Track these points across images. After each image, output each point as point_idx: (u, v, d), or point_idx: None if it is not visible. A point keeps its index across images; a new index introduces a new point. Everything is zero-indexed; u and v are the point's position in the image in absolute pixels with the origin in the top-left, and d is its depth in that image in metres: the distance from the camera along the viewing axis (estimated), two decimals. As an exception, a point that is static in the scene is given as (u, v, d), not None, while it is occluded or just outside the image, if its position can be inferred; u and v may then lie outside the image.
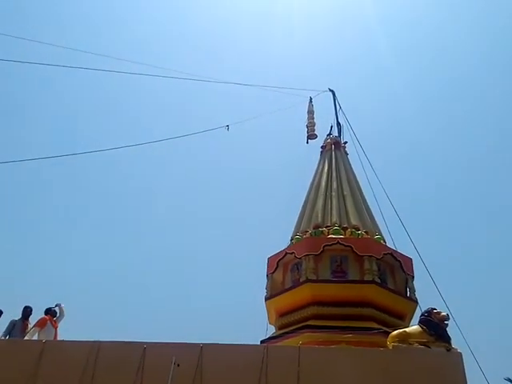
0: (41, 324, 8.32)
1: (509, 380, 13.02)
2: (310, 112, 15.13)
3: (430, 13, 33.75)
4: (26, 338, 8.08)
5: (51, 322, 8.52)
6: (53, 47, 12.62)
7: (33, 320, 8.51)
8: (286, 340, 8.88)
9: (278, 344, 8.74)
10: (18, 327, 8.30)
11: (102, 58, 13.85)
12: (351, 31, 36.58)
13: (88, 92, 32.45)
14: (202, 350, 6.90)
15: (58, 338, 8.37)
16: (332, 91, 15.24)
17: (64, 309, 8.88)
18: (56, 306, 8.83)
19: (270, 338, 9.53)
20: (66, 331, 8.60)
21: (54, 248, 29.51)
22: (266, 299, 10.29)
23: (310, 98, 15.42)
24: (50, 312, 8.64)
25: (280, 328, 9.79)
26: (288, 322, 9.59)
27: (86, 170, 29.86)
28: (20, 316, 8.50)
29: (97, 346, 7.05)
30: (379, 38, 32.93)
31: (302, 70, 30.98)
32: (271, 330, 10.21)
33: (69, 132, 31.30)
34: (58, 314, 8.77)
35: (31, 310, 8.61)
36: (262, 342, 9.24)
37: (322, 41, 36.14)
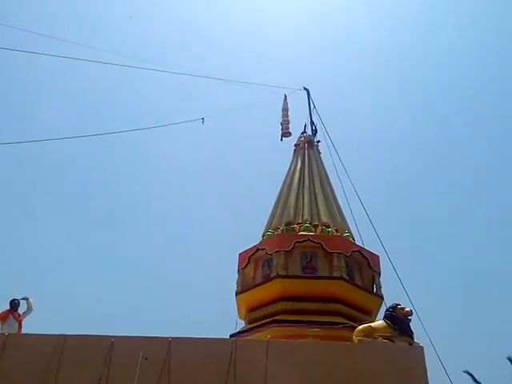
0: (2, 318, 8.13)
1: (467, 373, 13.55)
2: (285, 109, 15.23)
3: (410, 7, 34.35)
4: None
5: (13, 316, 8.32)
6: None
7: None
8: (255, 334, 8.98)
9: (247, 338, 8.82)
10: None
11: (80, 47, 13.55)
12: (330, 28, 37.01)
13: (55, 80, 31.53)
14: (170, 344, 6.90)
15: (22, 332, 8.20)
16: (306, 90, 15.38)
17: (32, 303, 8.69)
18: (23, 299, 8.62)
19: (239, 333, 9.60)
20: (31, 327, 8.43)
21: (18, 240, 28.69)
22: (237, 294, 10.35)
23: (285, 96, 15.53)
24: (12, 305, 8.44)
25: (249, 322, 9.88)
26: (257, 317, 9.68)
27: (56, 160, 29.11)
28: None
29: (62, 339, 6.96)
30: (361, 36, 33.26)
31: (278, 67, 31.11)
32: (240, 325, 10.29)
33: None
34: (25, 307, 8.58)
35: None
36: (231, 336, 9.30)
37: (296, 38, 36.29)
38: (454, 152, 32.64)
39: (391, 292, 9.97)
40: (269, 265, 10.20)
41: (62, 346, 6.87)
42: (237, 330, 9.84)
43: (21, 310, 8.58)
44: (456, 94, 33.26)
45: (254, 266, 10.64)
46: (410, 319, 7.43)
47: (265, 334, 8.35)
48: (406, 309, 7.54)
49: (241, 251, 10.85)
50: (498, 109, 30.99)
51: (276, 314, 9.31)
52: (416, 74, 33.15)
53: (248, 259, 10.55)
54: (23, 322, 8.41)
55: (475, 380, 13.59)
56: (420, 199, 32.43)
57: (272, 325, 8.97)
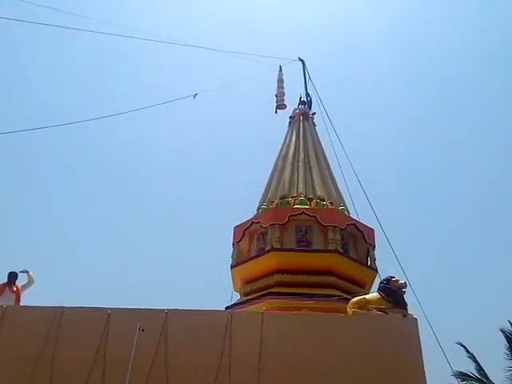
0: None
1: (460, 344, 13.84)
2: (280, 81, 14.98)
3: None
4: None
5: (9, 289, 8.34)
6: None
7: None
8: (251, 306, 9.08)
9: (243, 310, 8.92)
10: None
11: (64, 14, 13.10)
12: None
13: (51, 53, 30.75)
14: (166, 315, 6.96)
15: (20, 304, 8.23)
16: (302, 60, 15.10)
17: (32, 275, 8.70)
18: (23, 272, 8.63)
19: (234, 305, 9.70)
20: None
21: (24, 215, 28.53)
22: (232, 267, 10.42)
23: (280, 67, 15.25)
24: (9, 277, 8.46)
25: (245, 295, 9.97)
26: (252, 289, 9.77)
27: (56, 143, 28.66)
28: None
29: (59, 312, 6.98)
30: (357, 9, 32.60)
31: (273, 38, 30.49)
32: (236, 298, 10.40)
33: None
34: (24, 280, 8.59)
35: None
36: (226, 308, 9.40)
37: (292, 8, 35.47)
38: (452, 118, 32.48)
39: (385, 265, 10.08)
40: (263, 238, 10.24)
41: (59, 318, 6.90)
42: (232, 303, 9.94)
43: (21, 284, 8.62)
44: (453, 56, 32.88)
45: (249, 239, 10.67)
46: (404, 291, 7.51)
47: (260, 306, 8.45)
48: (400, 281, 7.61)
49: (236, 225, 10.86)
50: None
51: (271, 286, 9.40)
52: (414, 40, 32.70)
53: (243, 233, 10.57)
54: (23, 295, 8.45)
55: (468, 351, 13.89)
56: (416, 171, 32.55)
57: (267, 297, 9.07)
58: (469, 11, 31.94)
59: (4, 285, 8.32)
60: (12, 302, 8.12)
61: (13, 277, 8.55)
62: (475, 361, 13.83)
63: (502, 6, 30.28)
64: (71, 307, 7.12)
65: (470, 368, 13.81)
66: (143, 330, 6.63)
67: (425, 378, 6.54)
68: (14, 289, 8.40)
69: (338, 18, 35.48)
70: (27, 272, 8.68)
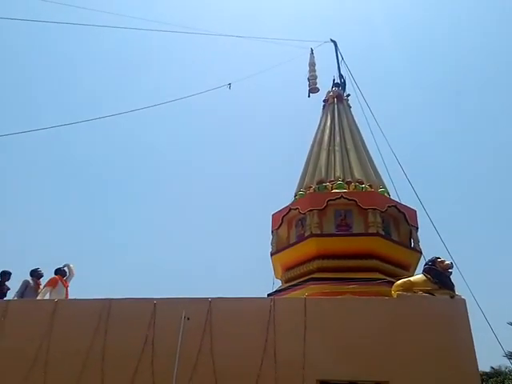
0: (52, 283, 8.51)
1: (511, 324, 13.33)
2: (312, 64, 14.69)
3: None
4: (38, 297, 8.28)
5: (62, 282, 8.71)
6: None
7: (43, 281, 8.70)
8: (293, 292, 9.06)
9: (285, 296, 8.92)
10: (30, 288, 8.51)
11: (97, 13, 13.39)
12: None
13: (84, 49, 31.56)
14: (210, 304, 7.06)
15: (69, 297, 8.59)
16: (334, 42, 14.72)
17: (74, 268, 9.05)
18: (65, 266, 8.99)
19: (276, 292, 9.71)
20: (76, 290, 8.81)
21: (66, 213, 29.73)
22: (272, 254, 10.42)
23: (311, 50, 14.96)
24: (60, 272, 8.82)
25: (286, 282, 9.96)
26: (294, 276, 9.74)
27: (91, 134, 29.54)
28: (31, 277, 8.68)
29: (108, 304, 7.23)
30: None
31: (303, 22, 29.94)
32: (277, 284, 10.41)
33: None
34: (67, 274, 8.94)
35: (42, 272, 8.80)
36: (268, 295, 9.43)
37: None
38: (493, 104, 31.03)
39: (430, 246, 9.79)
40: (302, 224, 10.16)
41: (107, 310, 7.16)
42: (274, 290, 9.96)
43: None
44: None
45: (288, 226, 10.63)
46: (451, 272, 7.27)
47: (302, 292, 8.42)
48: (446, 261, 7.38)
49: (274, 212, 10.84)
50: None
51: (312, 272, 9.33)
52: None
53: (281, 220, 10.53)
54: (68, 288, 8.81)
55: (520, 331, 13.37)
56: (458, 150, 31.33)
57: (309, 283, 9.02)
58: None
59: (57, 278, 8.69)
60: (63, 296, 8.49)
61: (63, 271, 8.92)
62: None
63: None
64: (119, 299, 7.36)
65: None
66: (188, 319, 6.76)
67: (476, 360, 6.34)
68: (64, 282, 8.76)
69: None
70: (68, 265, 9.02)
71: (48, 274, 8.74)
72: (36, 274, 8.71)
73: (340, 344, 6.57)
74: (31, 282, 8.59)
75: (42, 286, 8.61)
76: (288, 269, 10.06)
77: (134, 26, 13.47)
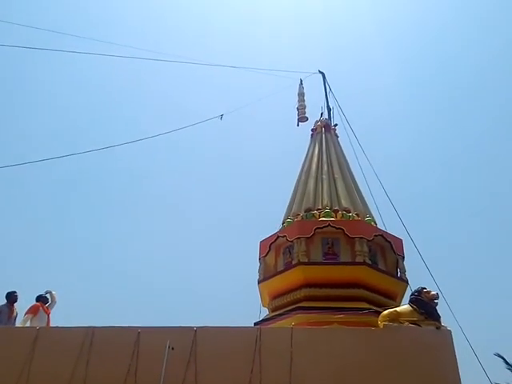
0: (33, 311, 8.31)
1: (498, 355, 13.30)
2: (301, 94, 15.01)
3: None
4: (19, 325, 8.08)
5: (43, 309, 8.52)
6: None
7: (19, 306, 8.46)
8: (279, 321, 8.98)
9: (271, 326, 8.84)
10: (4, 313, 8.20)
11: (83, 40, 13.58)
12: (341, 14, 36.26)
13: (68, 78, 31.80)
14: (195, 333, 6.97)
15: (51, 325, 8.39)
16: (322, 73, 15.11)
17: (55, 295, 8.88)
18: (47, 292, 8.81)
19: (263, 320, 9.62)
20: (58, 318, 8.62)
21: (47, 233, 29.33)
22: (259, 282, 10.36)
23: (301, 80, 15.31)
24: (41, 299, 8.63)
25: (273, 310, 9.89)
26: (281, 304, 9.68)
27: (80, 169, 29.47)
28: (5, 301, 8.38)
29: (91, 332, 7.09)
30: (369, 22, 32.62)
31: (291, 54, 30.71)
32: (264, 313, 10.32)
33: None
34: (49, 301, 8.76)
35: (17, 296, 8.52)
36: (255, 324, 9.34)
37: (310, 24, 35.68)
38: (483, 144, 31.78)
39: (416, 276, 9.83)
40: (290, 252, 10.16)
41: (90, 338, 7.01)
42: (260, 318, 9.87)
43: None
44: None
45: (275, 253, 10.62)
46: (437, 302, 7.31)
47: (289, 322, 8.35)
48: (432, 292, 7.42)
49: (261, 239, 10.84)
50: None
51: (299, 301, 9.29)
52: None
53: (269, 247, 10.53)
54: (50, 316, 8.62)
55: (507, 363, 13.33)
56: (444, 181, 31.90)
57: (296, 312, 8.96)
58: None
59: (39, 305, 8.50)
60: (45, 323, 8.29)
61: (45, 298, 8.74)
62: (514, 372, 13.24)
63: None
64: (102, 327, 7.23)
65: (509, 380, 13.25)
66: (173, 349, 6.65)
67: (462, 392, 6.31)
68: (46, 309, 8.58)
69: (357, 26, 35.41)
70: (50, 292, 8.84)
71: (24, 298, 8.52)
72: (9, 299, 8.42)
73: (327, 375, 6.51)
74: (5, 307, 8.27)
75: (15, 311, 8.36)
76: (275, 297, 10.00)
77: (121, 54, 13.60)
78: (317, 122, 13.82)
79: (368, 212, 11.14)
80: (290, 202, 11.65)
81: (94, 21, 29.67)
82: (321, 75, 15.09)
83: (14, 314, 8.32)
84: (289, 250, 10.24)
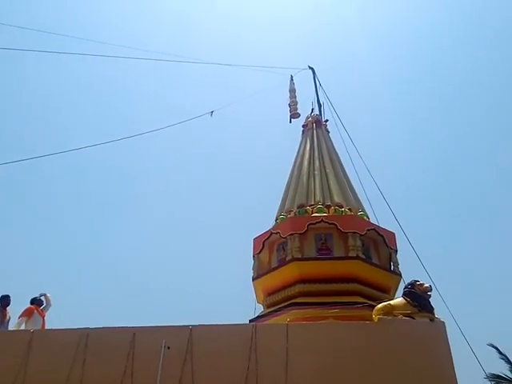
0: (28, 314, 8.26)
1: (492, 346, 13.46)
2: (292, 91, 15.01)
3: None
4: (13, 328, 8.04)
5: (38, 312, 8.47)
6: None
7: (11, 309, 8.41)
8: (274, 318, 9.01)
9: (267, 322, 8.86)
10: None
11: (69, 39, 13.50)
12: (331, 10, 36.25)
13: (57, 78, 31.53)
14: (191, 331, 6.97)
15: (46, 328, 8.34)
16: (312, 69, 15.11)
17: (50, 298, 8.83)
18: (41, 295, 8.76)
19: (258, 317, 9.64)
20: (53, 320, 8.58)
21: (42, 236, 29.16)
22: (253, 279, 10.38)
23: (291, 76, 15.30)
24: (35, 301, 8.58)
25: (268, 307, 9.91)
26: (275, 301, 9.70)
27: (64, 169, 29.25)
28: None
29: (86, 334, 7.06)
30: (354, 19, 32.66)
31: (281, 50, 30.68)
32: (259, 310, 10.34)
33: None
34: (44, 304, 8.72)
35: (10, 299, 8.47)
36: (250, 321, 9.35)
37: (299, 19, 35.66)
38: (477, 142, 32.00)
39: (409, 269, 9.91)
40: (283, 248, 10.19)
41: (85, 340, 6.98)
42: (256, 315, 9.88)
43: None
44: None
45: (269, 250, 10.64)
46: (430, 295, 7.38)
47: (284, 318, 8.38)
48: (425, 284, 7.48)
49: (255, 236, 10.85)
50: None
51: (294, 296, 9.32)
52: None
53: (262, 244, 10.54)
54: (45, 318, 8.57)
55: (500, 353, 13.49)
56: (435, 175, 32.11)
57: (290, 308, 8.99)
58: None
59: (34, 308, 8.44)
60: (40, 326, 8.25)
61: (40, 301, 8.69)
62: (508, 362, 13.44)
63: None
64: (97, 328, 7.20)
65: (503, 370, 13.42)
66: (169, 348, 6.65)
67: (456, 382, 6.38)
68: (41, 312, 8.53)
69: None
70: (45, 295, 8.79)
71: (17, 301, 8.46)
72: (2, 302, 8.37)
73: (323, 370, 6.54)
74: None
75: (8, 315, 8.31)
76: (270, 294, 10.02)
77: (111, 54, 13.52)
78: (308, 117, 13.82)
79: (360, 207, 11.18)
80: (283, 199, 11.67)
81: (82, 20, 29.44)
82: (311, 71, 15.08)
83: (7, 317, 8.26)
84: (282, 246, 10.26)
